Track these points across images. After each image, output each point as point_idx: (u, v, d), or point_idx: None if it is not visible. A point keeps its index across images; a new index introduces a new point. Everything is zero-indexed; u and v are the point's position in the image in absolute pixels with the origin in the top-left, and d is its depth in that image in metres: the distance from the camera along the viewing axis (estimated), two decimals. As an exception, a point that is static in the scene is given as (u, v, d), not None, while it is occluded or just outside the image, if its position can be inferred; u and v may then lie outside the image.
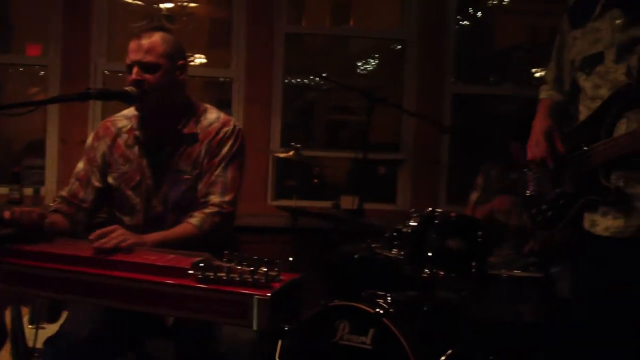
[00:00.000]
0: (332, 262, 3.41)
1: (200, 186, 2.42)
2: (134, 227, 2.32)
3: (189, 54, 7.36)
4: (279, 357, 2.89)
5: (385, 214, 4.24)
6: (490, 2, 6.36)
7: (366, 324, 2.67)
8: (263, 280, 1.70)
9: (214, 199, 2.39)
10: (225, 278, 1.71)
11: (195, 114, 2.49)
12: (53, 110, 4.38)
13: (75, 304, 2.35)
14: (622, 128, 2.04)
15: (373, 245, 3.00)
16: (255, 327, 1.64)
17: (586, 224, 2.20)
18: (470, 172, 3.96)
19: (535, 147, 2.26)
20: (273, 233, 4.05)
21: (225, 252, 1.80)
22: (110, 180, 2.49)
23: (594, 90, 2.14)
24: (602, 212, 2.13)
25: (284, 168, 4.67)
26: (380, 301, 2.77)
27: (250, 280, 1.70)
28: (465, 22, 5.95)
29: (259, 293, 1.65)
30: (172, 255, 1.95)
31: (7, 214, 2.12)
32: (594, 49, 2.14)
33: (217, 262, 1.77)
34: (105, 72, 4.48)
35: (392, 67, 5.53)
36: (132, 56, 2.36)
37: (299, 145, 3.62)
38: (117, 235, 2.04)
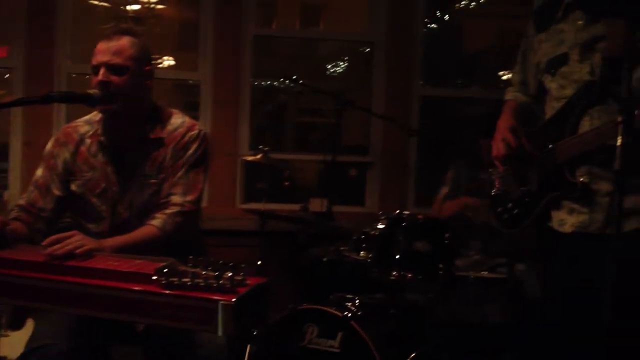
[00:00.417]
0: (301, 265, 3.41)
1: (163, 189, 2.40)
2: (100, 235, 2.28)
3: (157, 56, 7.32)
4: (247, 362, 2.88)
5: (354, 217, 4.25)
6: (458, 5, 6.41)
7: (334, 328, 2.66)
8: (228, 285, 1.68)
9: (176, 199, 2.37)
10: (189, 283, 1.68)
11: (161, 118, 2.46)
12: (17, 113, 4.31)
13: (41, 313, 2.30)
14: (585, 125, 2.08)
15: (341, 248, 3.00)
16: (220, 333, 1.62)
17: (554, 224, 2.23)
18: (438, 174, 3.99)
19: (501, 143, 2.28)
20: (242, 236, 4.04)
21: (191, 257, 1.77)
22: (73, 187, 2.44)
23: (559, 91, 2.18)
24: (568, 210, 2.16)
25: (254, 171, 4.65)
26: (349, 304, 2.76)
27: (215, 285, 1.67)
28: (434, 25, 6.00)
29: (224, 298, 1.63)
30: (135, 261, 1.91)
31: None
32: (558, 51, 2.19)
33: (182, 267, 1.74)
34: (72, 74, 4.42)
35: (362, 70, 5.56)
36: (100, 57, 2.32)
37: (267, 149, 3.61)
38: (73, 241, 2.00)
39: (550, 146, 2.17)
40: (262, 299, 1.87)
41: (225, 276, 1.69)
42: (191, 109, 4.65)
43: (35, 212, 2.41)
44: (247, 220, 3.90)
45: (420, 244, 2.79)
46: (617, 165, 1.49)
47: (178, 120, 2.48)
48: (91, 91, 2.30)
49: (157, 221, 2.32)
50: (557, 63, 2.19)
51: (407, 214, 2.87)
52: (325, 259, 3.14)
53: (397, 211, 2.89)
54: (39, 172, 2.47)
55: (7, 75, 4.50)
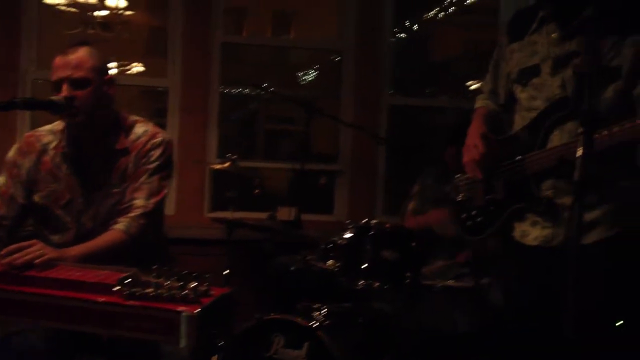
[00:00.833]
0: (268, 274, 3.39)
1: (125, 195, 2.37)
2: (64, 245, 2.24)
3: (126, 62, 7.26)
4: (213, 373, 2.85)
5: (322, 225, 4.24)
6: (426, 15, 6.47)
7: (301, 337, 2.65)
8: (192, 296, 1.66)
9: (138, 202, 2.35)
10: (152, 294, 1.66)
11: (125, 127, 2.44)
12: (-21, 120, 4.23)
13: (4, 324, 2.26)
14: (555, 140, 2.09)
15: (309, 257, 2.99)
16: (183, 344, 1.60)
17: (517, 235, 2.24)
18: (406, 182, 4.00)
19: (473, 148, 2.29)
20: (209, 245, 4.00)
21: (154, 266, 1.76)
22: (36, 198, 2.40)
23: (530, 102, 2.20)
24: (531, 222, 2.18)
25: (223, 179, 4.62)
26: (316, 314, 2.76)
27: (178, 296, 1.66)
28: (403, 34, 6.05)
29: (187, 309, 1.61)
30: (98, 271, 1.89)
31: None
32: (530, 62, 2.20)
33: (145, 278, 1.72)
34: (38, 80, 4.36)
35: (332, 78, 5.57)
36: (60, 73, 2.29)
37: (235, 157, 3.58)
38: (33, 250, 1.96)
39: (518, 157, 2.18)
40: (227, 310, 1.85)
41: (189, 286, 1.68)
42: (160, 116, 4.61)
43: None
44: (215, 229, 3.87)
45: (387, 253, 2.80)
46: (576, 176, 1.50)
47: (141, 128, 2.45)
48: (54, 97, 2.27)
49: (121, 225, 2.29)
50: (528, 74, 2.20)
51: (375, 223, 2.87)
52: (292, 268, 3.13)
53: (365, 220, 2.89)
54: (1, 179, 2.43)
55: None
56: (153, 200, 2.37)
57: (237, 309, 1.92)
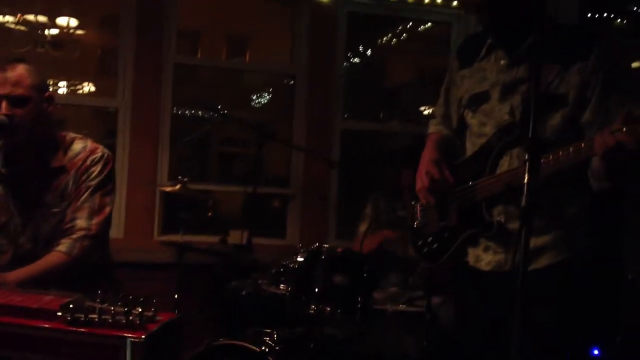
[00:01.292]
0: (219, 298, 3.34)
1: (67, 215, 2.31)
2: (1, 269, 2.18)
3: (77, 82, 7.14)
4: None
5: (274, 249, 4.22)
6: (380, 41, 6.55)
7: (252, 363, 2.61)
8: (138, 322, 1.63)
9: (81, 223, 2.30)
10: (97, 320, 1.62)
11: (62, 145, 2.39)
12: None
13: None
14: (505, 165, 2.11)
15: (260, 281, 2.96)
16: (128, 372, 1.56)
17: (470, 260, 2.25)
18: (359, 206, 4.02)
19: (425, 176, 2.30)
20: (159, 269, 3.93)
21: (99, 291, 1.71)
22: None
23: (480, 128, 2.22)
24: (484, 248, 2.20)
25: (175, 202, 4.56)
26: (267, 339, 2.72)
27: (123, 321, 1.62)
28: (356, 59, 6.11)
29: (132, 335, 1.58)
30: (40, 296, 1.83)
31: None
32: (480, 88, 2.23)
33: (89, 303, 1.67)
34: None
35: (285, 101, 5.59)
36: None
37: (186, 179, 3.54)
38: None
39: (470, 183, 2.20)
40: (175, 335, 1.82)
41: (134, 312, 1.64)
42: (112, 137, 4.53)
43: None
44: (165, 253, 3.81)
45: (339, 278, 2.78)
46: (523, 202, 1.52)
47: (79, 145, 2.41)
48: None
49: (62, 246, 2.25)
50: (478, 100, 2.23)
51: (326, 248, 2.86)
52: (243, 293, 3.09)
53: (317, 244, 2.88)
54: None
55: None
56: (96, 221, 2.32)
57: (186, 334, 1.88)
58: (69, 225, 2.30)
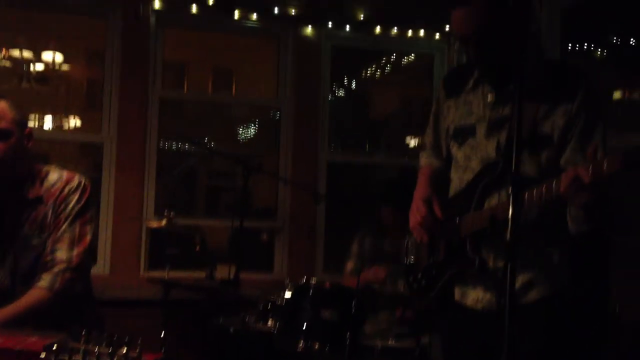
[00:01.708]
0: (205, 336, 3.30)
1: (47, 246, 2.28)
2: None
3: (63, 116, 7.13)
4: None
5: (262, 284, 4.17)
6: (364, 74, 6.61)
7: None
8: (122, 363, 1.59)
9: (61, 255, 2.26)
10: (81, 362, 1.59)
11: (39, 176, 2.37)
12: None
13: None
14: (492, 202, 2.09)
15: (247, 318, 2.93)
16: (112, 415, 1.53)
17: (457, 295, 2.24)
18: (346, 239, 4.00)
19: (417, 213, 2.28)
20: (145, 306, 3.88)
21: (84, 332, 1.68)
22: None
23: (465, 161, 2.21)
24: (472, 285, 2.18)
25: (162, 237, 4.52)
26: (254, 376, 2.69)
27: (108, 363, 1.59)
28: (341, 92, 6.15)
29: (117, 377, 1.54)
30: (23, 337, 1.79)
31: None
32: (466, 121, 2.21)
33: (73, 344, 1.64)
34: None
35: (271, 134, 5.60)
36: None
37: (172, 213, 3.52)
38: None
39: (457, 219, 2.19)
40: (161, 376, 1.78)
41: (119, 353, 1.60)
42: (98, 171, 4.50)
43: None
44: (151, 290, 3.76)
45: (327, 312, 2.76)
46: (508, 235, 1.52)
47: (55, 175, 2.39)
48: None
49: (43, 282, 2.20)
50: (464, 133, 2.21)
51: (314, 282, 2.84)
52: (230, 330, 3.05)
53: (304, 279, 2.86)
54: None
55: None
56: (77, 252, 2.29)
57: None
58: (49, 258, 2.27)
